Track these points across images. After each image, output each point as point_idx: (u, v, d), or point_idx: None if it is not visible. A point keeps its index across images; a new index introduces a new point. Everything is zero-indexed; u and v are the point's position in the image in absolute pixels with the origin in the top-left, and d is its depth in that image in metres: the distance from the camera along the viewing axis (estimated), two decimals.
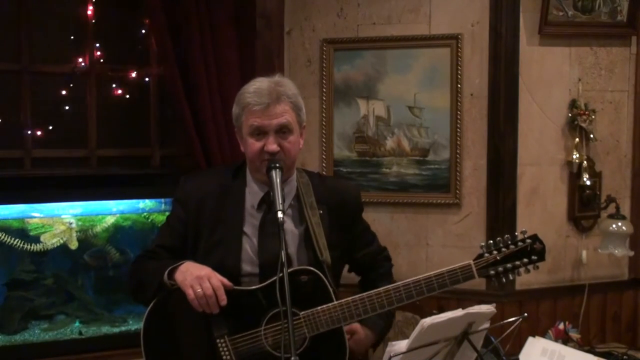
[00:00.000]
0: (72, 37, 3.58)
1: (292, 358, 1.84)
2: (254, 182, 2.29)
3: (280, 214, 2.01)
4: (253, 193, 2.29)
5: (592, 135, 3.49)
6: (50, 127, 3.55)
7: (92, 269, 3.62)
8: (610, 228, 3.45)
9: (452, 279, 2.12)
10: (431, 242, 3.54)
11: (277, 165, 2.14)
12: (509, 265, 2.13)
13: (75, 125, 3.62)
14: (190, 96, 3.42)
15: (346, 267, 2.46)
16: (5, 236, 3.41)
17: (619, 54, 3.58)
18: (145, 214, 3.66)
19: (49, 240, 3.47)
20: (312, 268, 2.16)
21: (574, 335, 3.42)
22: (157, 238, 2.40)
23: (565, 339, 3.37)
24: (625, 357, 3.31)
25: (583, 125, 3.47)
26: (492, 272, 2.13)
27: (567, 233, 3.55)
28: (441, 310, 2.70)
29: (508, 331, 2.24)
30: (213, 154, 3.45)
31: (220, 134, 3.45)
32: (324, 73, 3.58)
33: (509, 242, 2.14)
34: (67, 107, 3.59)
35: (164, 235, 2.36)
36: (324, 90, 3.59)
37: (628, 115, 3.63)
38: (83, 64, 3.60)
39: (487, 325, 2.05)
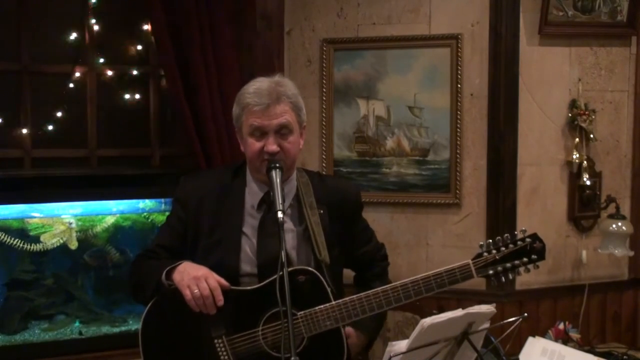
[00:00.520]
0: (72, 37, 3.57)
1: (292, 358, 1.84)
2: (254, 182, 2.29)
3: (280, 214, 2.01)
4: (253, 193, 2.29)
5: (592, 135, 3.49)
6: (50, 127, 3.55)
7: (92, 269, 3.62)
8: (610, 228, 3.45)
9: (450, 278, 2.12)
10: (431, 242, 3.54)
11: (277, 165, 2.14)
12: (508, 264, 2.12)
13: (75, 125, 3.62)
14: (190, 96, 3.42)
15: None
16: (5, 236, 3.41)
17: (619, 54, 3.58)
18: (145, 214, 3.66)
19: (49, 240, 3.48)
20: (310, 268, 2.16)
21: (574, 335, 3.42)
22: (156, 238, 2.40)
23: (565, 339, 3.37)
24: (625, 357, 3.31)
25: (583, 125, 3.47)
26: (491, 271, 2.12)
27: (567, 233, 3.55)
28: (441, 310, 2.70)
29: (508, 331, 2.24)
30: (213, 154, 3.45)
31: (220, 134, 3.45)
32: (324, 73, 3.58)
33: (509, 242, 2.13)
34: (67, 107, 3.58)
35: (163, 235, 2.36)
36: (324, 90, 3.59)
37: (628, 115, 3.63)
38: (83, 64, 3.60)
39: (487, 325, 2.05)
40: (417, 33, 3.48)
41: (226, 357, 2.14)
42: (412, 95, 3.50)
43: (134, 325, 3.57)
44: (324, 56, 3.58)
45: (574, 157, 3.48)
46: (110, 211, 3.61)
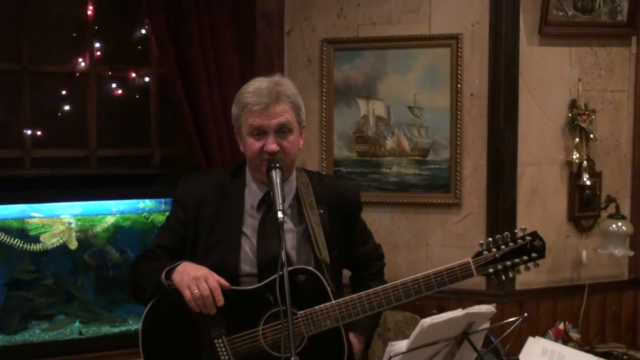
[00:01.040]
0: (72, 37, 3.58)
1: (292, 358, 1.84)
2: (254, 182, 2.29)
3: (280, 214, 2.01)
4: (252, 193, 2.29)
5: (592, 135, 3.49)
6: (50, 127, 3.55)
7: (92, 269, 3.62)
8: (610, 228, 3.45)
9: (450, 277, 2.11)
10: (431, 242, 3.54)
11: (277, 165, 2.14)
12: (508, 263, 2.11)
13: (75, 125, 3.63)
14: (190, 96, 3.42)
15: None
16: (5, 236, 3.41)
17: (619, 54, 3.58)
18: (145, 214, 3.66)
19: (49, 240, 3.48)
20: (310, 267, 2.16)
21: (574, 335, 3.42)
22: (156, 238, 2.40)
23: (565, 339, 3.37)
24: (625, 357, 3.30)
25: (583, 125, 3.47)
26: (491, 270, 2.12)
27: (567, 233, 3.55)
28: (441, 310, 2.70)
29: (508, 331, 2.23)
30: (213, 154, 3.45)
31: (220, 134, 3.46)
32: (324, 73, 3.58)
33: (509, 240, 2.13)
34: (67, 107, 3.59)
35: (163, 235, 2.36)
36: (324, 90, 3.59)
37: (628, 115, 3.63)
38: (83, 64, 3.60)
39: (487, 325, 2.04)
40: (417, 33, 3.48)
41: (226, 357, 2.14)
42: (412, 95, 3.50)
43: (134, 325, 3.57)
44: (324, 56, 3.58)
45: (574, 157, 3.48)
46: (110, 211, 3.61)
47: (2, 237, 3.41)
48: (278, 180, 2.11)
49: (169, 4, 3.38)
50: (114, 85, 3.67)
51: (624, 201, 3.61)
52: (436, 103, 3.48)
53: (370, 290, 2.13)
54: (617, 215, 3.47)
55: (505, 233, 2.14)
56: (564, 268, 3.55)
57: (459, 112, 3.44)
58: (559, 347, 2.70)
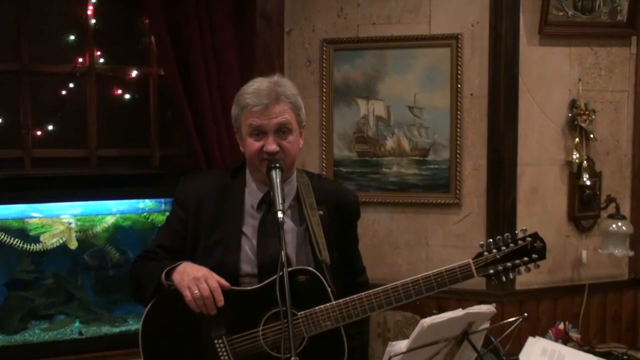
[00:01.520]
0: (72, 37, 3.58)
1: (292, 358, 1.84)
2: (254, 182, 2.29)
3: (280, 214, 2.01)
4: (252, 193, 2.29)
5: (592, 135, 3.49)
6: (50, 127, 3.55)
7: (92, 269, 3.62)
8: (610, 228, 3.45)
9: (451, 278, 2.11)
10: (431, 242, 3.54)
11: (277, 165, 2.14)
12: (508, 264, 2.11)
13: (75, 125, 3.62)
14: (190, 96, 3.42)
15: None
16: (5, 236, 3.41)
17: (619, 54, 3.58)
18: (145, 214, 3.66)
19: (49, 240, 3.47)
20: (310, 268, 2.16)
21: (574, 335, 3.42)
22: (156, 238, 2.39)
23: (565, 339, 3.37)
24: (625, 357, 3.31)
25: (583, 125, 3.47)
26: (491, 271, 2.12)
27: (567, 233, 3.55)
28: (441, 310, 2.70)
29: (508, 331, 2.23)
30: (213, 154, 3.45)
31: (220, 134, 3.46)
32: (324, 73, 3.58)
33: (509, 241, 2.12)
34: (67, 107, 3.58)
35: (163, 235, 2.36)
36: (324, 90, 3.59)
37: (628, 115, 3.63)
38: (83, 64, 3.60)
39: (487, 325, 2.04)
40: (417, 33, 3.48)
41: (226, 358, 2.14)
42: (412, 95, 3.50)
43: (134, 325, 3.57)
44: (324, 56, 3.58)
45: (574, 157, 3.48)
46: (110, 211, 3.61)
47: (2, 237, 3.41)
48: (278, 180, 2.10)
49: (169, 4, 3.37)
50: (114, 85, 3.67)
51: (624, 201, 3.61)
52: (436, 103, 3.48)
53: (371, 291, 2.12)
54: (617, 215, 3.47)
55: (506, 234, 2.14)
56: (564, 268, 3.55)
57: (459, 112, 3.44)
58: (559, 347, 2.70)
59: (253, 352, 2.14)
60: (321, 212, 2.27)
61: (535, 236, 2.13)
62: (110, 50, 3.65)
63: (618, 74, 3.59)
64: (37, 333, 3.46)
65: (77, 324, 3.55)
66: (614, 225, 3.45)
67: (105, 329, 3.56)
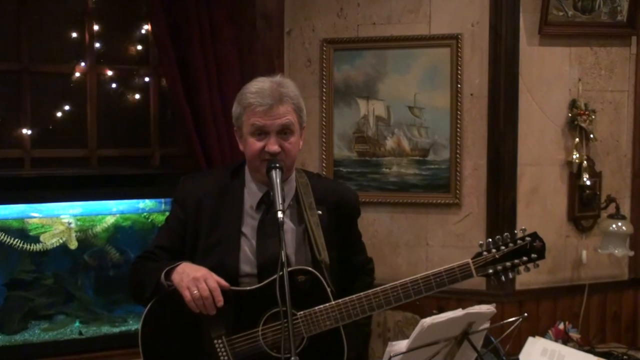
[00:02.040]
0: (72, 37, 3.58)
1: (292, 358, 1.84)
2: (253, 182, 2.29)
3: (280, 214, 2.01)
4: (252, 193, 2.29)
5: (592, 135, 3.49)
6: (50, 127, 3.55)
7: (92, 269, 3.62)
8: (610, 228, 3.45)
9: (450, 278, 2.11)
10: (431, 242, 3.54)
11: (278, 165, 2.14)
12: (508, 263, 2.11)
13: (75, 125, 3.62)
14: (190, 96, 3.42)
15: None
16: (5, 236, 3.41)
17: (619, 54, 3.58)
18: (145, 214, 3.66)
19: (49, 240, 3.48)
20: (309, 268, 2.16)
21: (574, 335, 3.42)
22: (156, 239, 2.39)
23: (565, 339, 3.37)
24: (625, 357, 3.31)
25: (583, 125, 3.47)
26: (490, 270, 2.12)
27: (567, 233, 3.55)
28: (441, 310, 2.70)
29: (508, 331, 2.23)
30: (213, 154, 3.45)
31: (220, 134, 3.46)
32: (324, 73, 3.58)
33: (508, 241, 2.12)
34: (67, 107, 3.59)
35: (163, 236, 2.36)
36: (324, 90, 3.59)
37: (628, 115, 3.63)
38: (83, 64, 3.60)
39: (487, 325, 2.04)
40: (417, 33, 3.48)
41: (226, 358, 2.14)
42: (412, 95, 3.50)
43: (134, 325, 3.57)
44: (324, 56, 3.58)
45: (574, 157, 3.48)
46: (110, 211, 3.61)
47: (2, 237, 3.41)
48: (278, 181, 2.10)
49: (169, 4, 3.37)
50: (114, 85, 3.67)
51: (624, 201, 3.61)
52: (436, 103, 3.48)
53: (370, 291, 2.12)
54: (617, 215, 3.47)
55: (505, 234, 2.14)
56: (564, 268, 3.55)
57: (459, 112, 3.44)
58: (559, 347, 2.70)
59: (253, 352, 2.14)
60: (320, 212, 2.28)
61: (534, 236, 2.13)
62: (110, 50, 3.65)
63: (618, 74, 3.59)
64: (37, 333, 3.46)
65: (77, 324, 3.55)
66: (614, 225, 3.45)
67: (105, 329, 3.56)
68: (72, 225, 3.52)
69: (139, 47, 3.71)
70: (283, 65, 3.65)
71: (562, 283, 3.54)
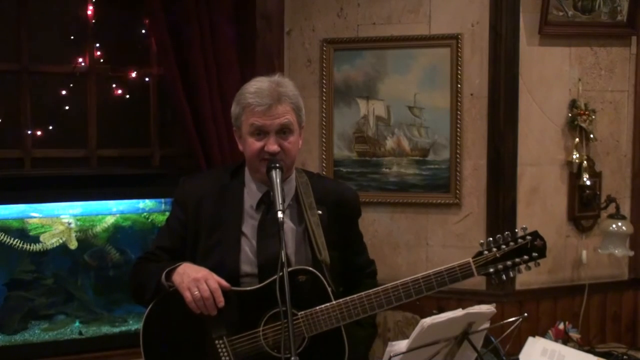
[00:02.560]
0: (72, 37, 3.58)
1: (292, 358, 1.84)
2: (253, 182, 2.29)
3: (280, 214, 2.01)
4: (252, 193, 2.29)
5: (592, 135, 3.49)
6: (50, 127, 3.55)
7: (92, 269, 3.62)
8: (610, 228, 3.45)
9: (451, 277, 2.11)
10: (431, 242, 3.54)
11: (277, 165, 2.14)
12: (509, 262, 2.11)
13: (75, 125, 3.62)
14: (190, 96, 3.42)
15: None
16: (5, 236, 3.41)
17: (619, 54, 3.58)
18: (145, 214, 3.66)
19: (49, 240, 3.47)
20: (310, 268, 2.16)
21: (574, 335, 3.42)
22: (156, 240, 2.40)
23: (565, 339, 3.37)
24: (625, 357, 3.31)
25: (583, 125, 3.47)
26: (491, 269, 2.12)
27: (567, 233, 3.55)
28: (441, 310, 2.70)
29: (508, 331, 2.23)
30: (213, 154, 3.45)
31: (220, 134, 3.46)
32: (324, 73, 3.58)
33: (509, 239, 2.12)
34: (67, 107, 3.59)
35: (163, 236, 2.36)
36: (324, 90, 3.59)
37: (628, 115, 3.63)
38: (83, 64, 3.60)
39: (487, 325, 2.04)
40: (417, 33, 3.48)
41: (227, 358, 2.14)
42: (412, 95, 3.50)
43: (134, 325, 3.57)
44: (324, 56, 3.58)
45: (574, 157, 3.48)
46: (110, 211, 3.61)
47: (2, 237, 3.41)
48: (278, 181, 2.11)
49: (169, 4, 3.37)
50: (114, 85, 3.67)
51: (624, 201, 3.61)
52: (436, 103, 3.48)
53: (371, 290, 2.12)
54: (617, 215, 3.47)
55: (506, 232, 2.13)
56: (564, 268, 3.55)
57: (459, 112, 3.44)
58: (559, 347, 2.70)
59: (254, 352, 2.14)
60: (320, 211, 2.28)
61: (535, 234, 2.13)
62: (110, 50, 3.65)
63: (618, 74, 3.59)
64: (37, 333, 3.46)
65: (77, 324, 3.55)
66: (614, 225, 3.45)
67: (105, 329, 3.56)
68: (72, 225, 3.52)
69: (139, 47, 3.71)
70: (283, 65, 3.65)
71: (562, 283, 3.54)
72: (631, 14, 3.50)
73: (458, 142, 3.45)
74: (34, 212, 3.46)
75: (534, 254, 2.11)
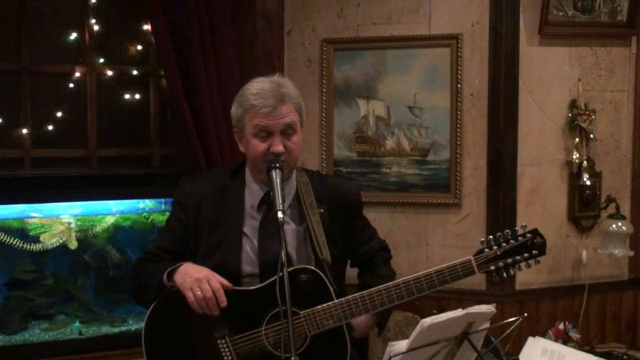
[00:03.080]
0: (72, 37, 3.58)
1: (292, 358, 1.84)
2: (254, 182, 2.29)
3: (280, 214, 2.01)
4: (252, 193, 2.29)
5: (592, 135, 3.49)
6: (50, 127, 3.55)
7: (92, 269, 3.62)
8: (610, 228, 3.45)
9: (452, 274, 2.12)
10: (431, 242, 3.54)
11: (277, 165, 2.14)
12: (509, 260, 2.12)
13: (75, 125, 3.62)
14: (190, 96, 3.42)
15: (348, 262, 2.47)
16: (5, 236, 3.41)
17: (619, 54, 3.58)
18: (145, 214, 3.66)
19: (49, 240, 3.47)
20: (311, 267, 2.16)
21: (574, 335, 3.42)
22: (157, 240, 2.40)
23: (565, 339, 3.37)
24: (625, 357, 3.31)
25: (583, 125, 3.47)
26: (492, 267, 2.13)
27: (567, 233, 3.55)
28: (441, 310, 2.71)
29: (508, 331, 2.24)
30: (213, 154, 3.45)
31: (220, 134, 3.46)
32: (324, 73, 3.58)
33: (509, 237, 2.13)
34: (67, 107, 3.58)
35: (164, 237, 2.36)
36: (324, 90, 3.59)
37: (628, 115, 3.63)
38: (83, 64, 3.60)
39: (487, 325, 2.05)
40: (417, 33, 3.48)
41: (229, 358, 2.14)
42: (412, 95, 3.50)
43: (134, 325, 3.57)
44: (324, 56, 3.58)
45: (574, 157, 3.48)
46: (110, 211, 3.61)
47: (2, 237, 3.41)
48: (278, 181, 2.11)
49: (169, 4, 3.37)
50: (114, 86, 3.67)
51: (624, 201, 3.61)
52: (436, 103, 3.48)
53: (373, 289, 2.13)
54: (617, 215, 3.46)
55: (506, 230, 2.14)
56: (564, 268, 3.55)
57: (459, 112, 3.44)
58: (559, 347, 2.70)
59: (256, 351, 2.14)
60: (321, 210, 2.28)
61: (535, 232, 2.14)
62: (110, 50, 3.65)
63: (618, 74, 3.59)
64: (37, 333, 3.46)
65: (77, 324, 3.55)
66: (614, 225, 3.45)
67: (105, 329, 3.56)
68: (72, 225, 3.52)
69: (139, 47, 3.71)
70: (283, 65, 3.65)
71: (562, 283, 3.54)
72: (631, 14, 3.50)
73: (458, 142, 3.45)
74: (34, 212, 3.46)
75: (534, 252, 2.12)
